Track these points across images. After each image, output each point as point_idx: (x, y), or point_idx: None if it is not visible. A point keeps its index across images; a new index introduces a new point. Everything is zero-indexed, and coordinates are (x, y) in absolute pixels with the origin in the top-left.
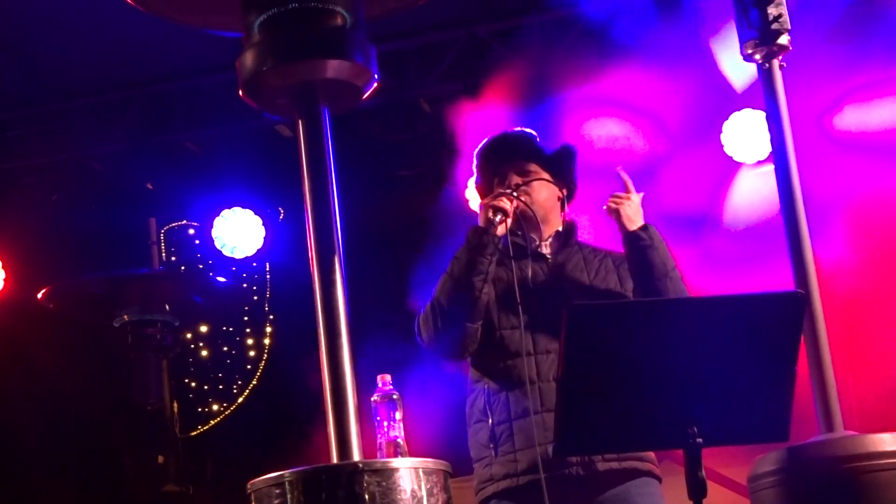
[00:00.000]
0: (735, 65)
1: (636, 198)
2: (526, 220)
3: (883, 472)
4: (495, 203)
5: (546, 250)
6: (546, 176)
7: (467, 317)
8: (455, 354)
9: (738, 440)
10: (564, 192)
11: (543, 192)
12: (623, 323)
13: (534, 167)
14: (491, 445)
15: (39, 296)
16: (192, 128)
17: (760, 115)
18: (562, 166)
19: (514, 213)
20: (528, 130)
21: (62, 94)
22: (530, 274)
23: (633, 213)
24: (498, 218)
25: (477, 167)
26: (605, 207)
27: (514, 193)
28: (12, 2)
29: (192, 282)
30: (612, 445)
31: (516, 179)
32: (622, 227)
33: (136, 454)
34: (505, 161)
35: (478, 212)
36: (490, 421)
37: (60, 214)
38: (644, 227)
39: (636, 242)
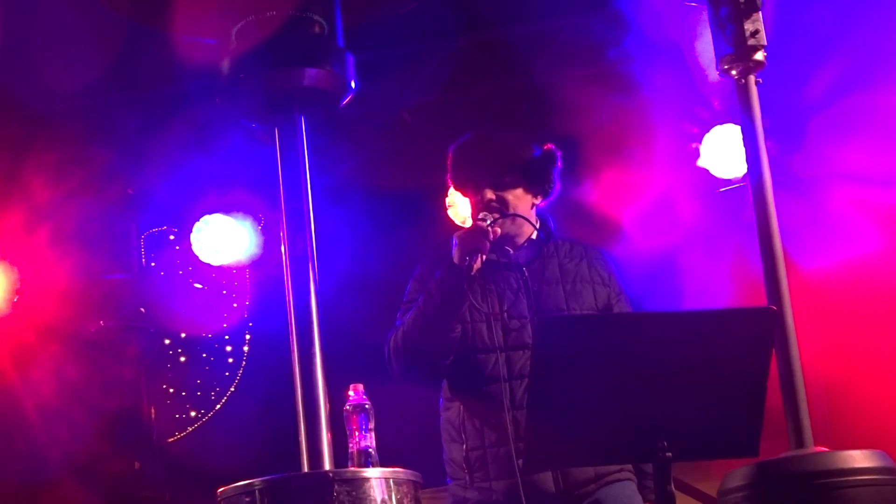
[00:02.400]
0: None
1: None
2: (501, 236)
3: (852, 488)
4: (471, 244)
5: (518, 258)
6: (521, 189)
7: (441, 354)
8: (426, 384)
9: (707, 455)
10: (540, 197)
11: (519, 206)
12: (593, 336)
13: (510, 178)
14: (465, 468)
15: (15, 301)
16: (174, 133)
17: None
18: (542, 174)
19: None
20: (507, 134)
21: (47, 99)
22: (506, 292)
23: None
24: (475, 258)
25: (451, 166)
26: None
27: (489, 223)
28: (5, 5)
29: (171, 288)
30: (581, 458)
31: (490, 195)
32: None
33: (113, 460)
34: (481, 169)
35: (463, 225)
36: (464, 445)
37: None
38: None
39: None
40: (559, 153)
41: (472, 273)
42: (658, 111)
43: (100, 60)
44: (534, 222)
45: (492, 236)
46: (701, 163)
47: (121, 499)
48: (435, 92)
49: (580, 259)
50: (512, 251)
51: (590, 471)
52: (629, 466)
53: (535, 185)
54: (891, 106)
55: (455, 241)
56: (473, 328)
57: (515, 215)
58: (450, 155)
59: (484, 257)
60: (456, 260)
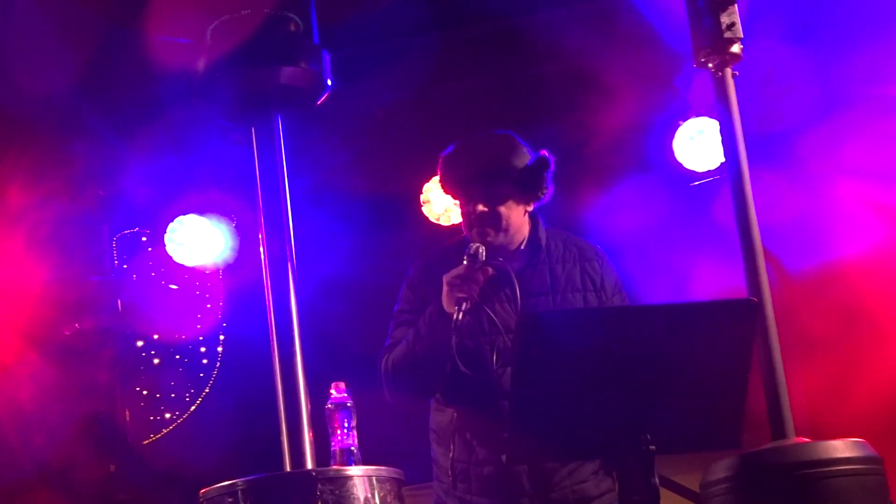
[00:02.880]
0: None
1: None
2: (492, 247)
3: (834, 478)
4: (461, 293)
5: (512, 265)
6: (512, 200)
7: (432, 387)
8: (417, 403)
9: (690, 447)
10: (533, 204)
11: (511, 216)
12: (576, 330)
13: (502, 189)
14: (450, 474)
15: None
16: (148, 134)
17: (712, 124)
18: (534, 180)
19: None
20: (499, 141)
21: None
22: (496, 307)
23: None
24: (464, 306)
25: (441, 175)
26: None
27: (481, 255)
28: None
29: (145, 290)
30: (564, 453)
31: (481, 208)
32: None
33: (89, 463)
34: (472, 179)
35: (438, 222)
36: (451, 454)
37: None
38: None
39: None
40: (552, 158)
41: (461, 320)
42: (631, 103)
43: (73, 62)
44: (525, 228)
45: (482, 278)
46: (675, 155)
47: (97, 502)
48: (410, 89)
49: (573, 264)
50: (502, 259)
51: (569, 494)
52: (614, 489)
53: (528, 192)
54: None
55: (445, 284)
56: (465, 350)
57: (501, 225)
58: (439, 163)
59: (473, 302)
60: (445, 306)
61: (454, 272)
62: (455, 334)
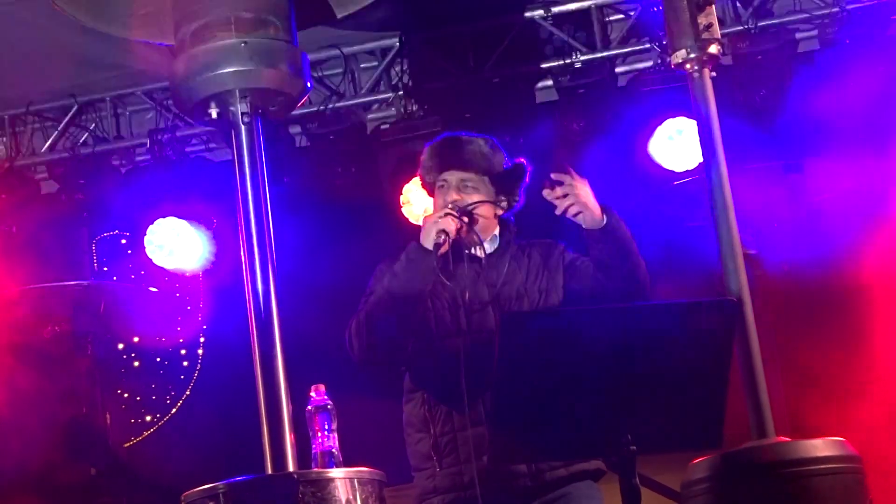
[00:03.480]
0: None
1: (583, 184)
2: (459, 238)
3: (815, 477)
4: (442, 224)
5: (480, 254)
6: (485, 195)
7: (402, 333)
8: (385, 364)
9: (671, 447)
10: (504, 205)
11: (482, 210)
12: (557, 331)
13: (476, 182)
14: (434, 457)
15: None
16: (125, 138)
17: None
18: (509, 185)
19: (456, 232)
20: (483, 140)
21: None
22: (467, 284)
23: (592, 201)
24: (442, 239)
25: (422, 163)
26: (562, 205)
27: (460, 215)
28: None
29: (124, 293)
30: (545, 454)
31: (454, 196)
32: (588, 220)
33: (69, 468)
34: (451, 166)
35: (417, 223)
36: (432, 431)
37: None
38: (608, 212)
39: (613, 232)
40: (529, 168)
41: (440, 253)
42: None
43: (55, 65)
44: (493, 228)
45: (460, 223)
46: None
47: None
48: (389, 90)
49: (529, 252)
50: (472, 249)
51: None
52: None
53: (500, 194)
54: None
55: (424, 223)
56: (436, 315)
57: (481, 202)
58: (423, 151)
59: (451, 239)
60: (423, 241)
61: (432, 214)
62: (436, 261)
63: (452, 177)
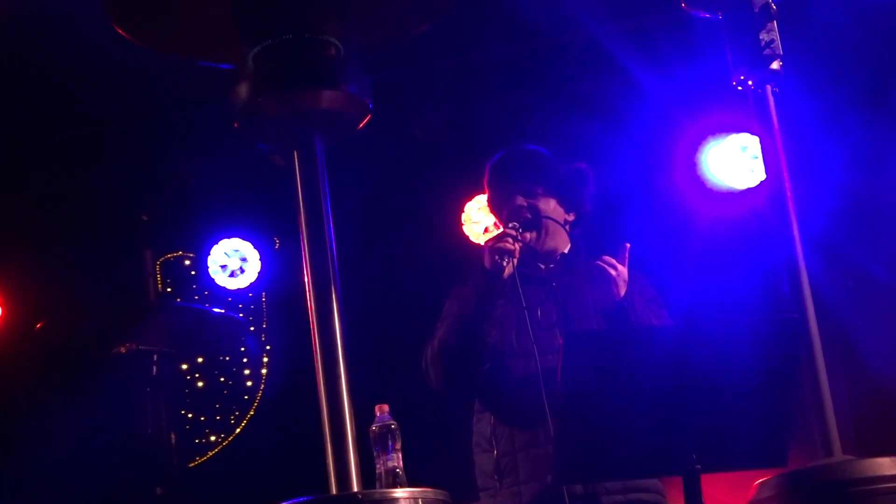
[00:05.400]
0: None
1: (623, 269)
2: (531, 250)
3: (882, 496)
4: (500, 245)
5: (546, 270)
6: (553, 200)
7: (476, 360)
8: (463, 392)
9: (736, 466)
10: (572, 214)
11: (549, 216)
12: (621, 349)
13: (541, 188)
14: (496, 477)
15: (36, 328)
16: (188, 158)
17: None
18: (572, 190)
19: (519, 248)
20: (538, 149)
21: (58, 126)
22: (536, 303)
23: (622, 282)
24: (504, 261)
25: (486, 181)
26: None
27: (519, 229)
28: (6, 34)
29: (188, 312)
30: (610, 472)
31: (521, 201)
32: (611, 292)
33: (134, 486)
34: (514, 179)
35: (481, 244)
36: (495, 452)
37: (57, 246)
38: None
39: (619, 312)
40: (591, 173)
41: (504, 275)
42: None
43: (111, 86)
44: (565, 238)
45: (521, 240)
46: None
47: None
48: (449, 110)
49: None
50: (544, 267)
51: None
52: (661, 489)
53: (567, 199)
54: None
55: (485, 246)
56: (503, 336)
57: (546, 218)
58: (486, 171)
59: (515, 260)
60: (487, 265)
61: (493, 236)
62: (499, 283)
63: (518, 188)
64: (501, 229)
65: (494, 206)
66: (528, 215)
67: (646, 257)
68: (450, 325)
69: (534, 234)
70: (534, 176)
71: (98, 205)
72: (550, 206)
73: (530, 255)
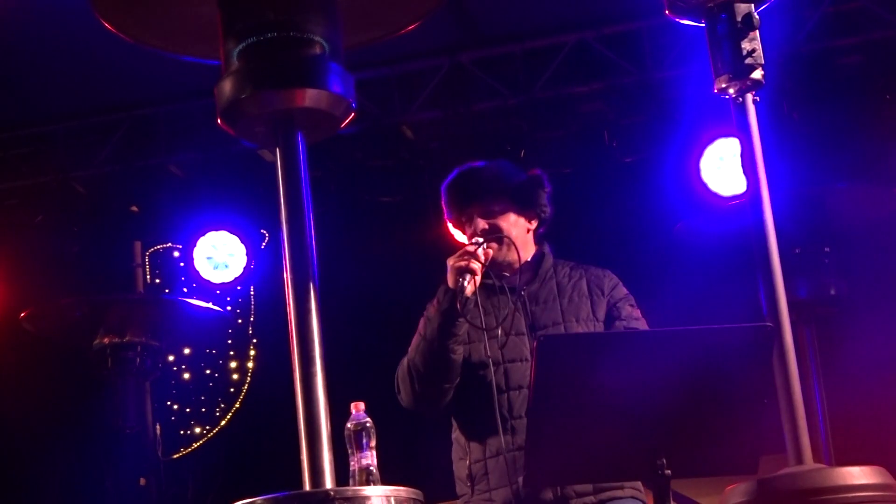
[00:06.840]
0: None
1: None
2: (496, 263)
3: None
4: (461, 264)
5: (518, 282)
6: (512, 214)
7: (444, 378)
8: (434, 411)
9: (706, 472)
10: (535, 222)
11: (512, 230)
12: (593, 354)
13: (500, 205)
14: (468, 483)
15: (21, 317)
16: (177, 151)
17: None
18: (530, 197)
19: (483, 263)
20: (493, 164)
21: (46, 118)
22: (503, 311)
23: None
24: (466, 279)
25: (444, 203)
26: None
27: (482, 243)
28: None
29: (175, 305)
30: (580, 476)
31: (482, 224)
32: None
33: (118, 477)
34: (471, 200)
35: (465, 244)
36: (468, 459)
37: (44, 237)
38: None
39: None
40: (545, 176)
41: (466, 294)
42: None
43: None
44: (530, 247)
45: (483, 258)
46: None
47: None
48: (436, 109)
49: (579, 278)
50: (508, 275)
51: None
52: (638, 485)
53: (526, 208)
54: None
55: (449, 265)
56: (471, 348)
57: (502, 237)
58: (442, 194)
59: (478, 278)
60: (450, 283)
61: (453, 255)
62: (461, 303)
63: (476, 209)
64: (461, 251)
65: (456, 226)
66: (490, 236)
67: (626, 261)
68: (416, 344)
69: (498, 248)
70: (489, 195)
71: (88, 196)
72: (511, 220)
73: (496, 266)
